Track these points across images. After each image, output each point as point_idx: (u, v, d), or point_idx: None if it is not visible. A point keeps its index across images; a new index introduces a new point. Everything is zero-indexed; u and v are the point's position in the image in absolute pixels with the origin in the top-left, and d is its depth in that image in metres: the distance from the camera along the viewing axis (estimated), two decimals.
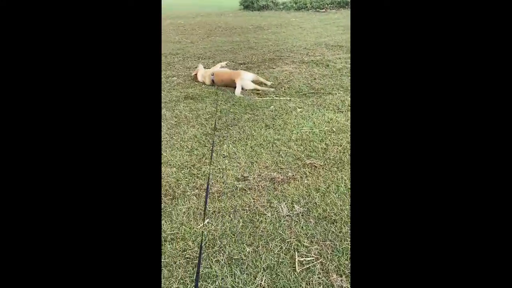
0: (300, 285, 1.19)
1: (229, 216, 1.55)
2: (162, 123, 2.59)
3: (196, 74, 3.56)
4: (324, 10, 10.02)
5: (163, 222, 1.53)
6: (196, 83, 3.55)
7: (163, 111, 2.81)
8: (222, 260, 1.31)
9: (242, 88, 3.16)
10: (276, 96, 3.07)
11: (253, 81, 3.24)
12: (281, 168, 1.91)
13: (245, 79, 3.18)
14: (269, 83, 3.34)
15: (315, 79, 3.52)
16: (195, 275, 1.24)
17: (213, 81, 3.36)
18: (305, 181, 1.78)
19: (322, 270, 1.25)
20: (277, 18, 8.79)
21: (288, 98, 3.00)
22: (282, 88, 3.28)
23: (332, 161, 1.95)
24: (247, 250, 1.35)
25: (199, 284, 1.21)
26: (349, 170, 1.84)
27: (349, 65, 3.81)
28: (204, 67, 3.71)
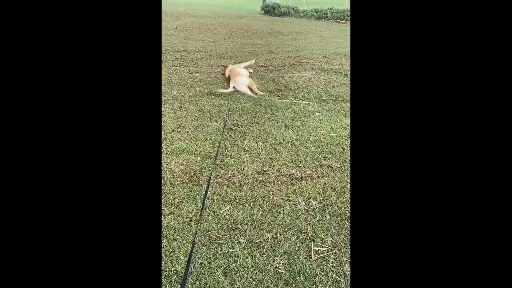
0: (315, 271, 1.29)
1: (249, 205, 1.65)
2: (186, 115, 2.72)
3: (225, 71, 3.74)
4: (344, 21, 10.13)
5: (188, 204, 1.64)
6: (218, 80, 3.69)
7: (187, 104, 2.95)
8: (243, 242, 1.41)
9: (234, 88, 3.34)
10: (296, 100, 3.18)
11: (248, 86, 3.36)
12: (299, 166, 2.02)
13: (238, 82, 3.34)
14: (260, 93, 3.33)
15: (333, 86, 3.62)
16: (217, 252, 1.35)
17: (229, 76, 3.54)
18: (322, 180, 1.88)
19: (336, 260, 1.34)
20: (298, 25, 8.92)
21: (307, 102, 3.11)
22: (301, 92, 3.38)
23: (348, 164, 2.04)
24: (266, 236, 1.45)
25: (222, 262, 1.31)
26: None
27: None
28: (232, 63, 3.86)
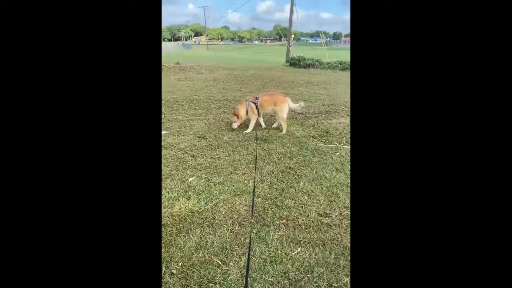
0: None
1: (319, 248, 1.65)
2: (240, 158, 2.86)
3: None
4: None
5: (258, 245, 1.67)
6: (263, 128, 3.89)
7: (239, 148, 3.11)
8: (322, 286, 1.40)
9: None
10: (340, 144, 3.27)
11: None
12: None
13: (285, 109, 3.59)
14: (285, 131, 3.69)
15: None
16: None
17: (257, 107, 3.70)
18: None
19: None
20: (324, 76, 9.42)
21: None
22: (343, 138, 3.48)
23: None
24: (345, 280, 1.43)
25: None
26: None
27: None
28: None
